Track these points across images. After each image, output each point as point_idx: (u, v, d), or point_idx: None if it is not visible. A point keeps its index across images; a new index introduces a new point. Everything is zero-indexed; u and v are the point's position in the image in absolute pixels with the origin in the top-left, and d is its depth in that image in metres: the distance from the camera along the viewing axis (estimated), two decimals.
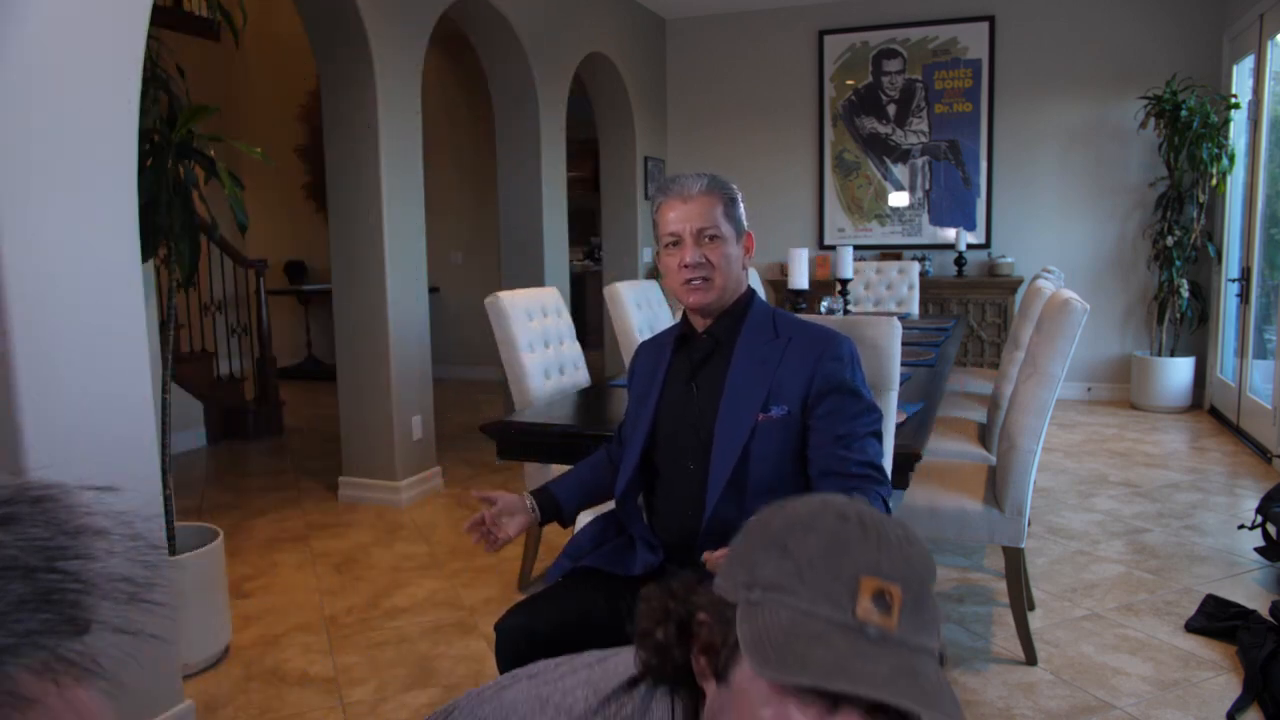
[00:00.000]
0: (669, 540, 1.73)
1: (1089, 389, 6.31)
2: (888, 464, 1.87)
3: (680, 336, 1.78)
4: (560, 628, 1.61)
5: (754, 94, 6.96)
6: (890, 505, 1.62)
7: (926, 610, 0.73)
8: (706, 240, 1.67)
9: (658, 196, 1.72)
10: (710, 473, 1.64)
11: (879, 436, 1.67)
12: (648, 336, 2.14)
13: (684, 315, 1.78)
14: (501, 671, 1.61)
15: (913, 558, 0.74)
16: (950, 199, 6.52)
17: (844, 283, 3.98)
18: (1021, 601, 2.52)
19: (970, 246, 6.43)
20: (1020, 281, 6.10)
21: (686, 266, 1.66)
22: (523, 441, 2.43)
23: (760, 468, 1.62)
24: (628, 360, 2.39)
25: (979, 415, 3.62)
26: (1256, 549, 3.19)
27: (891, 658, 0.69)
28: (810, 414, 1.64)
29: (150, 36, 2.17)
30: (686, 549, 1.66)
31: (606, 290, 3.50)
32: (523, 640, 1.60)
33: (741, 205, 1.74)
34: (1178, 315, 5.76)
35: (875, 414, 1.66)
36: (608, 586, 1.68)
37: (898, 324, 1.91)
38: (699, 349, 1.74)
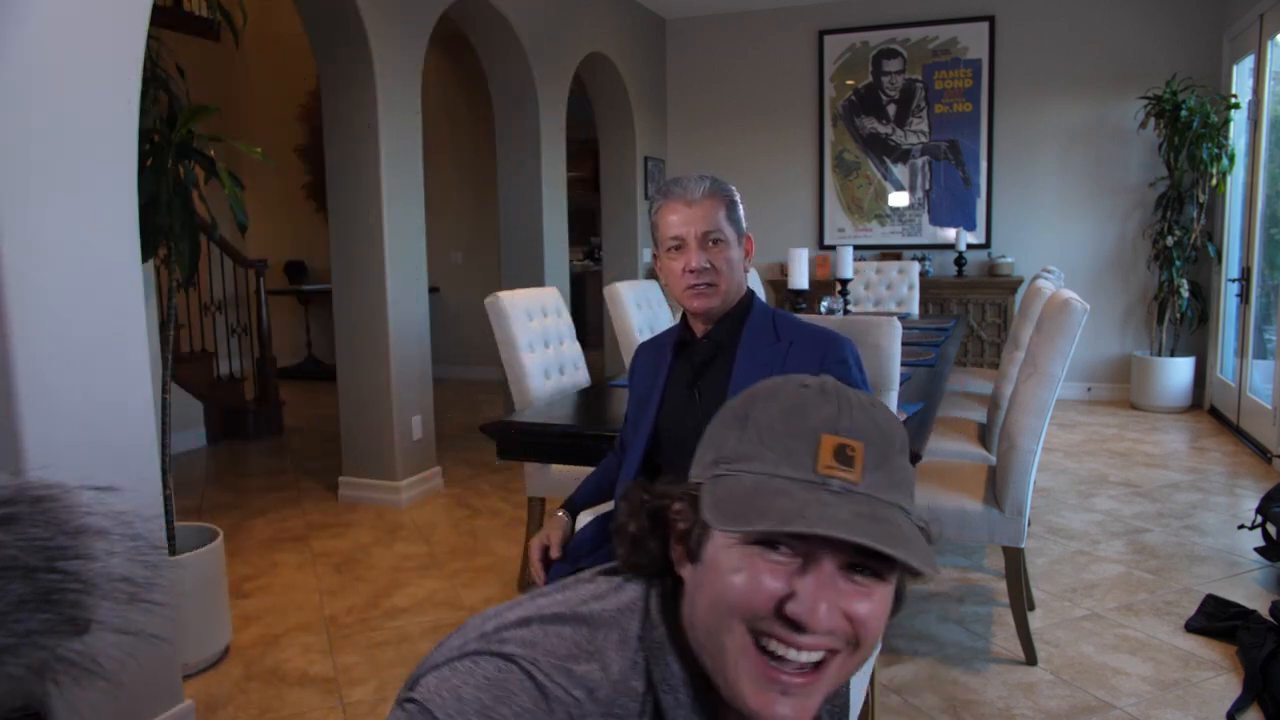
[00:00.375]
0: None
1: (1089, 389, 6.31)
2: None
3: (680, 342, 1.76)
4: None
5: (754, 94, 6.96)
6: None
7: (895, 470, 0.72)
8: (711, 244, 1.65)
9: (658, 199, 1.69)
10: None
11: None
12: (648, 337, 2.14)
13: (683, 318, 1.76)
14: None
15: (877, 418, 0.73)
16: (950, 199, 6.52)
17: (844, 283, 3.98)
18: (1021, 601, 2.53)
19: (970, 246, 6.43)
20: (1020, 281, 6.10)
21: (692, 271, 1.64)
22: (523, 441, 2.43)
23: None
24: (628, 360, 2.39)
25: (979, 415, 3.62)
26: (1256, 549, 3.20)
27: (854, 505, 0.68)
28: None
29: (150, 36, 2.17)
30: None
31: (606, 290, 3.50)
32: None
33: (741, 208, 1.73)
34: (1178, 315, 5.76)
35: None
36: None
37: (898, 324, 1.91)
38: (700, 353, 1.72)
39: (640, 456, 1.72)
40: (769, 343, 1.67)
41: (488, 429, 2.44)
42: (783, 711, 0.70)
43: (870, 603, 0.70)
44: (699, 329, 1.73)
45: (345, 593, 3.14)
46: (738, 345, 1.68)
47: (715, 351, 1.71)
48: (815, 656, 0.70)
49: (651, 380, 1.79)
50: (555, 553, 1.70)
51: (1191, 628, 2.71)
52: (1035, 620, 2.77)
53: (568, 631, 0.73)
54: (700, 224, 1.64)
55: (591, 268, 8.41)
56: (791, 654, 0.70)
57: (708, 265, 1.64)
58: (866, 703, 1.94)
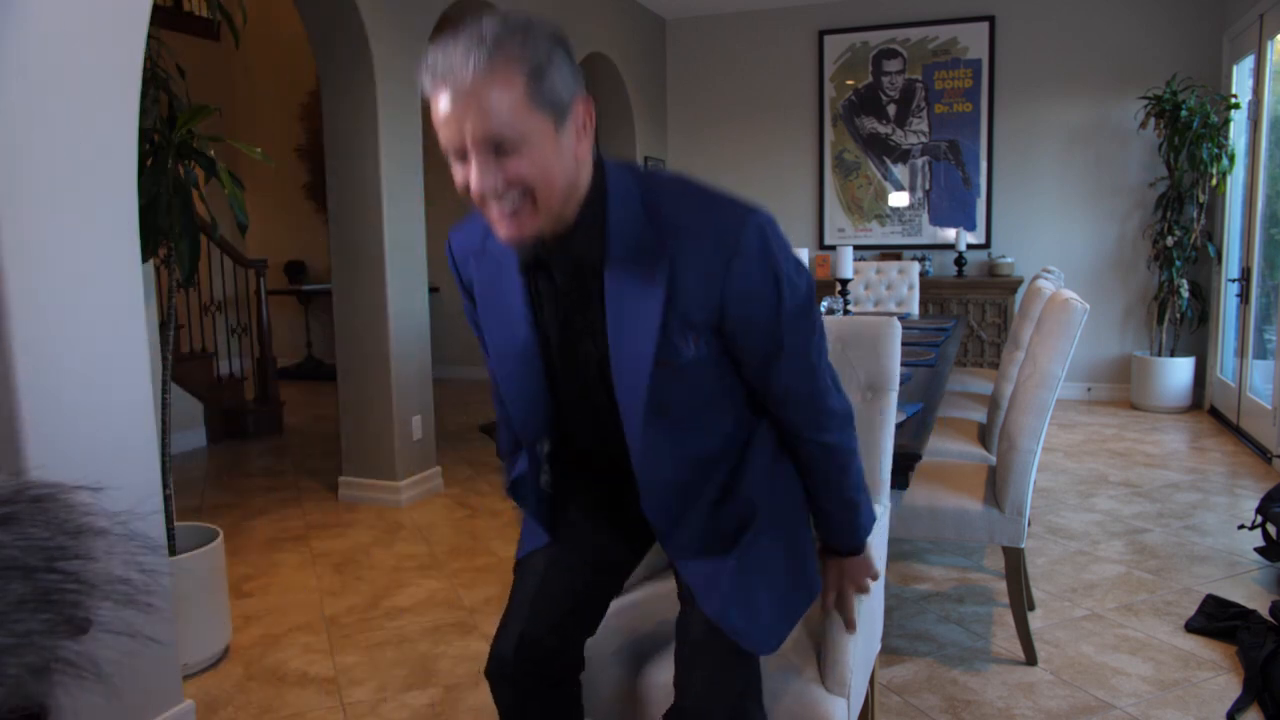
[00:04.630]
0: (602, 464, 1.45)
1: (1089, 389, 6.31)
2: (887, 463, 1.86)
3: (525, 263, 1.26)
4: (560, 625, 1.45)
5: (754, 94, 6.96)
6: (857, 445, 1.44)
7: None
8: (503, 152, 1.07)
9: (423, 77, 1.09)
10: (623, 413, 1.28)
11: (825, 350, 1.34)
12: None
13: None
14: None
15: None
16: (950, 199, 6.52)
17: (844, 283, 3.98)
18: (1021, 601, 2.52)
19: (970, 246, 6.43)
20: (1020, 281, 6.10)
21: (480, 196, 1.10)
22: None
23: (681, 407, 1.28)
24: None
25: (979, 415, 3.62)
26: (1256, 549, 3.20)
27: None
28: (732, 341, 1.25)
29: (150, 36, 2.17)
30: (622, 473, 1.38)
31: None
32: (530, 665, 1.42)
33: (563, 65, 1.10)
34: (1178, 315, 5.76)
35: (818, 320, 1.28)
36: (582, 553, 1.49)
37: (898, 324, 1.91)
38: (553, 277, 1.25)
39: (544, 410, 1.37)
40: (645, 252, 1.17)
41: (488, 429, 2.43)
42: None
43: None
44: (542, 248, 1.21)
45: (345, 593, 3.14)
46: (602, 265, 1.20)
47: (574, 272, 1.23)
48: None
49: (505, 311, 1.31)
50: None
51: (1191, 628, 2.71)
52: (1035, 620, 2.77)
53: None
54: (480, 120, 1.05)
55: None
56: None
57: (500, 185, 1.09)
58: (866, 703, 1.94)
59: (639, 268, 1.18)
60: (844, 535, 1.48)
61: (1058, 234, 6.27)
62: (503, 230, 1.13)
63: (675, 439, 1.31)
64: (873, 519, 1.50)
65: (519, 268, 1.26)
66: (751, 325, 1.23)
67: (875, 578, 1.55)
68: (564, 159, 1.12)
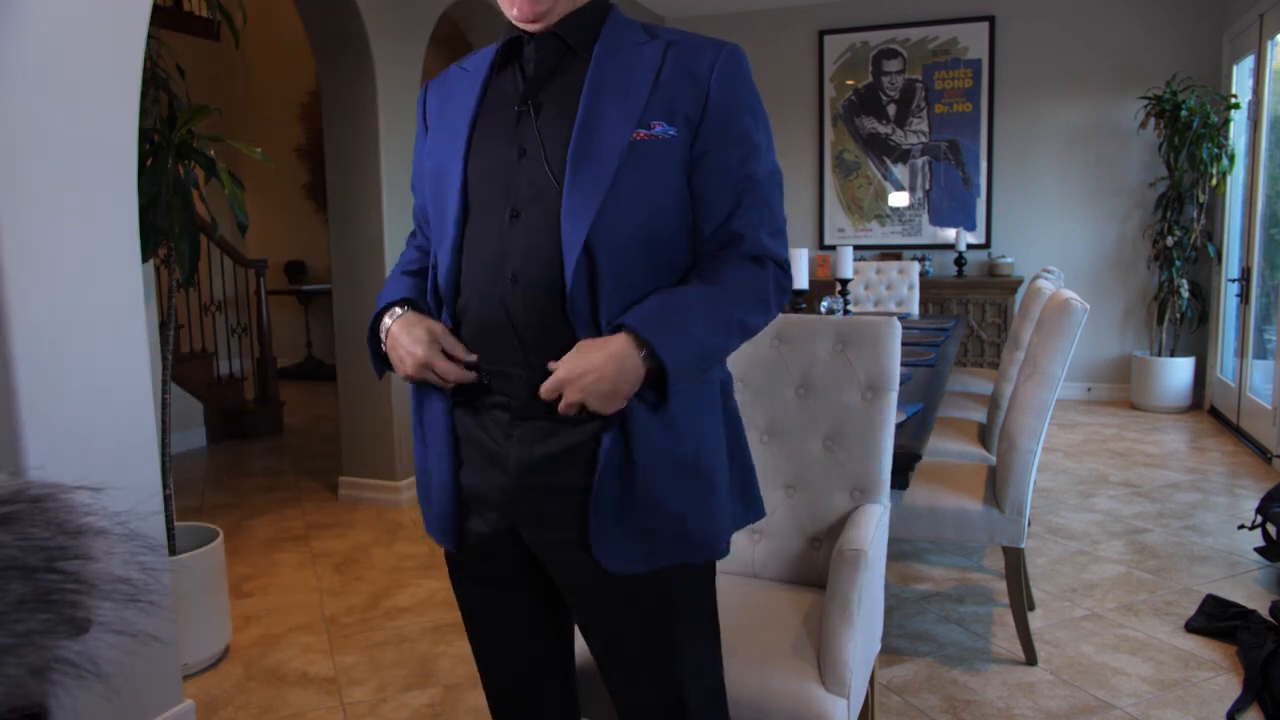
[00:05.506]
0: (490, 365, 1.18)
1: (1089, 389, 6.31)
2: (887, 463, 1.87)
3: (506, 44, 1.22)
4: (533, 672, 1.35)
5: None
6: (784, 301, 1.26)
7: None
8: None
9: None
10: (564, 223, 1.11)
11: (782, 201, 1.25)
12: None
13: (509, 27, 1.23)
14: None
15: None
16: (950, 199, 6.52)
17: (844, 283, 3.98)
18: (1021, 601, 2.53)
19: (970, 246, 6.43)
20: (1020, 281, 6.10)
21: None
22: None
23: (628, 218, 1.12)
24: None
25: (979, 415, 3.62)
26: (1256, 549, 3.20)
27: None
28: (701, 143, 1.16)
29: (150, 36, 2.17)
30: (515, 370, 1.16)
31: None
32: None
33: None
34: (1178, 315, 5.76)
35: (777, 167, 1.23)
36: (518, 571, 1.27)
37: (898, 324, 1.91)
38: (535, 55, 1.19)
39: (455, 228, 1.18)
40: (639, 41, 1.19)
41: None
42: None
43: None
44: (533, 30, 1.19)
45: (345, 593, 3.14)
46: (595, 42, 1.19)
47: (560, 52, 1.19)
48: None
49: (457, 115, 1.23)
50: (459, 350, 1.18)
51: (1191, 628, 2.71)
52: (1035, 620, 2.77)
53: None
54: None
55: None
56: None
57: None
58: (866, 703, 1.94)
59: (631, 51, 1.18)
60: (661, 331, 1.11)
61: (1058, 234, 6.27)
62: (516, 8, 1.16)
63: (604, 295, 1.12)
64: (702, 369, 1.17)
65: (492, 61, 1.23)
66: (725, 126, 1.17)
67: (582, 407, 1.12)
68: None
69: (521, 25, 1.18)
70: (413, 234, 1.42)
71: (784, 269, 1.23)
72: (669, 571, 1.20)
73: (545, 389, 1.11)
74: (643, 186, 1.13)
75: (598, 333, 1.13)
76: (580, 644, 1.53)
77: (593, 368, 1.08)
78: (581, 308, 1.12)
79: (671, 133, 1.14)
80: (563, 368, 1.10)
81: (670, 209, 1.16)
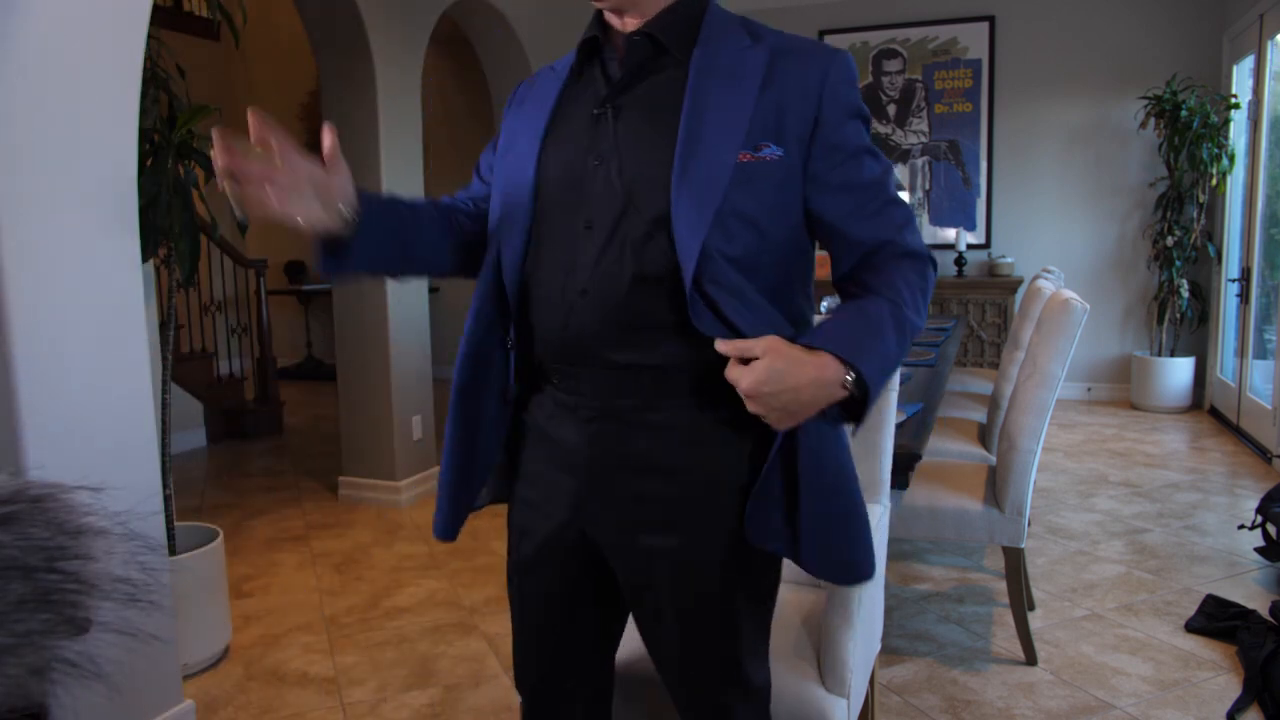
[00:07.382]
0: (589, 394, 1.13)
1: (1089, 389, 6.31)
2: (887, 463, 1.87)
3: (586, 42, 1.14)
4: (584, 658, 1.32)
5: None
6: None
7: None
8: None
9: None
10: (678, 248, 1.03)
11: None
12: None
13: (596, 15, 1.15)
14: None
15: None
16: (950, 199, 6.52)
17: None
18: (1021, 601, 2.53)
19: (970, 246, 6.43)
20: (1020, 281, 6.10)
21: None
22: None
23: (732, 242, 1.05)
24: None
25: (979, 415, 3.62)
26: (1256, 549, 3.20)
27: None
28: (816, 160, 1.09)
29: (150, 36, 2.17)
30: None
31: None
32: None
33: None
34: (1178, 315, 5.76)
35: (884, 157, 1.15)
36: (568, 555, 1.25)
37: None
38: (620, 57, 1.11)
39: (523, 235, 1.13)
40: (742, 46, 1.09)
41: None
42: None
43: None
44: (623, 26, 1.12)
45: (345, 593, 3.14)
46: (694, 44, 1.09)
47: (649, 54, 1.10)
48: None
49: (534, 116, 1.18)
50: (283, 205, 1.10)
51: (1191, 628, 2.71)
52: (1035, 620, 2.77)
53: None
54: None
55: None
56: None
57: None
58: (866, 703, 1.94)
59: (733, 56, 1.08)
60: (853, 345, 1.02)
61: (1058, 234, 6.27)
62: None
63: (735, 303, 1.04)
64: (892, 369, 1.08)
65: (574, 60, 1.16)
66: (841, 135, 1.10)
67: (759, 390, 0.99)
68: None
69: (601, 7, 1.10)
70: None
71: (932, 261, 1.14)
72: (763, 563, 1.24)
73: (742, 385, 0.98)
74: (749, 209, 1.06)
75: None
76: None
77: (789, 388, 0.97)
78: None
79: (779, 153, 1.06)
80: (759, 373, 0.97)
81: (778, 229, 1.09)
